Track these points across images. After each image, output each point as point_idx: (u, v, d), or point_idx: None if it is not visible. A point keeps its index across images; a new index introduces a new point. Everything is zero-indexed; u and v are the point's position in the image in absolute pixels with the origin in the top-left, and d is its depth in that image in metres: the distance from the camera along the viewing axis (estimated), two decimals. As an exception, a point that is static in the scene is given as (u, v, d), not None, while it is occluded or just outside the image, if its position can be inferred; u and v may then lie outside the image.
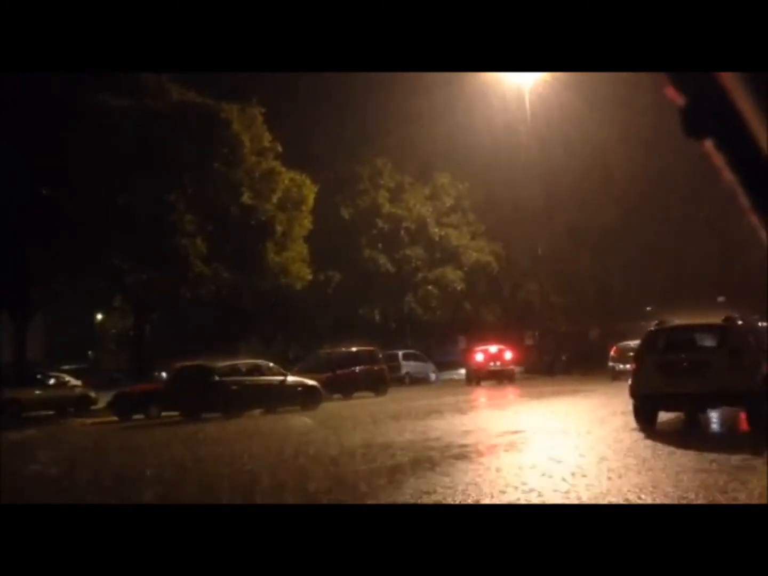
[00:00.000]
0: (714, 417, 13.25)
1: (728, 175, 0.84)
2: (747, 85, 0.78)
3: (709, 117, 0.80)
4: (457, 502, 6.45)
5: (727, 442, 10.45)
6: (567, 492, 6.69)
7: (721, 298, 35.24)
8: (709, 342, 12.75)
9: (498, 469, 8.51)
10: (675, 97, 0.82)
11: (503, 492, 6.94)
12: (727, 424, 12.73)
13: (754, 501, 5.64)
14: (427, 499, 6.75)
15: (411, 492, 7.28)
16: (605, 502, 5.32)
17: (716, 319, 12.70)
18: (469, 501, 6.55)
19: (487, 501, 6.38)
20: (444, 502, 6.43)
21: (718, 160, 0.83)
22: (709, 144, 0.83)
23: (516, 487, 7.14)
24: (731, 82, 0.78)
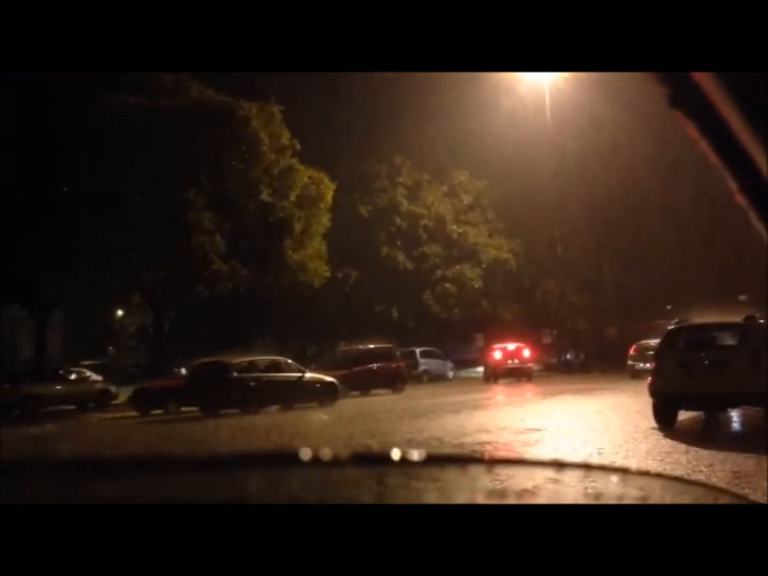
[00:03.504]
0: (734, 416, 13.14)
1: (711, 158, 0.86)
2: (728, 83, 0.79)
3: (690, 100, 0.82)
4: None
5: (745, 442, 10.35)
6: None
7: (743, 297, 34.90)
8: (729, 341, 12.64)
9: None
10: (659, 88, 0.84)
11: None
12: (747, 423, 12.61)
13: (759, 500, 5.58)
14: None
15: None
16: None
17: (737, 317, 12.59)
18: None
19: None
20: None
21: (702, 145, 0.85)
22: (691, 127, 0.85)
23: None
24: (710, 80, 0.80)
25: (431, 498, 0.90)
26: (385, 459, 0.89)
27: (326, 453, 0.89)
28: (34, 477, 0.91)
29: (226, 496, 0.92)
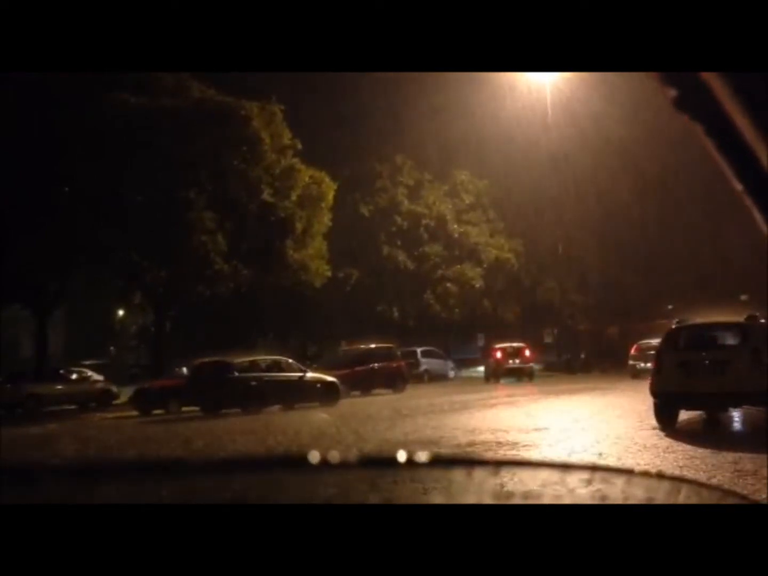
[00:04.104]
0: (734, 416, 13.14)
1: (716, 158, 0.86)
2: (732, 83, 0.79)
3: (696, 101, 0.82)
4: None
5: (745, 442, 10.35)
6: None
7: (744, 296, 34.88)
8: (730, 340, 12.63)
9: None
10: (664, 89, 0.84)
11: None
12: (747, 423, 12.61)
13: (760, 500, 5.60)
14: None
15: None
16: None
17: (738, 317, 12.58)
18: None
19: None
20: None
21: (707, 144, 0.85)
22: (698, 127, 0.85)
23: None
24: (717, 80, 0.80)
25: (436, 498, 0.91)
26: (388, 460, 0.89)
27: (328, 453, 0.89)
28: (35, 477, 0.91)
29: (227, 496, 0.92)
